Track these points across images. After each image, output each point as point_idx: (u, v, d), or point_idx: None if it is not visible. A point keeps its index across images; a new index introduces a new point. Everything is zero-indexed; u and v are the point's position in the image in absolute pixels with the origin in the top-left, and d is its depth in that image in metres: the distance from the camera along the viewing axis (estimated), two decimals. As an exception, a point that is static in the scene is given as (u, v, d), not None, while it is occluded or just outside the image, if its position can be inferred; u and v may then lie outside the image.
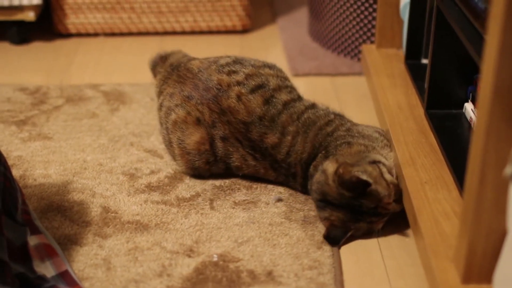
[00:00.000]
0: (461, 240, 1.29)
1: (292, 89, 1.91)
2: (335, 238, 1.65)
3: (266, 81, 1.87)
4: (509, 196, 1.17)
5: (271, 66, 1.96)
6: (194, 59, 2.02)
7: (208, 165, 1.86)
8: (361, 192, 1.61)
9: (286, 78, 1.95)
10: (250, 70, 1.89)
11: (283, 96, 1.85)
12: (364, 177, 1.59)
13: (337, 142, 1.74)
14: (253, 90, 1.84)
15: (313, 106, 1.87)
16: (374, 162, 1.67)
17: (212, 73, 1.88)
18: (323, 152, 1.74)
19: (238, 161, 1.84)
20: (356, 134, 1.77)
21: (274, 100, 1.83)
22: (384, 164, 1.68)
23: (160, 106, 1.96)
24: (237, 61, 1.94)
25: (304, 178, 1.78)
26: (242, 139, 1.81)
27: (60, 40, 2.85)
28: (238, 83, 1.85)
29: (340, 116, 1.86)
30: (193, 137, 1.84)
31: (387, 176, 1.65)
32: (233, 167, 1.86)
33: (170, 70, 2.02)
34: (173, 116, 1.87)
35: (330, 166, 1.67)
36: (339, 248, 1.66)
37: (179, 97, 1.89)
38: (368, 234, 1.68)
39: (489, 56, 1.16)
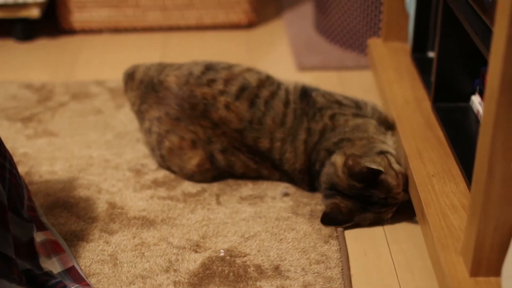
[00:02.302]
0: (469, 233, 1.29)
1: (268, 77, 1.88)
2: (333, 220, 1.68)
3: (246, 81, 1.83)
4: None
5: (236, 64, 1.91)
6: (163, 70, 1.93)
7: (213, 177, 1.86)
8: (372, 183, 1.61)
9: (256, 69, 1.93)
10: (225, 74, 1.84)
11: (265, 93, 1.82)
12: (374, 166, 1.60)
13: (334, 140, 1.74)
14: (237, 96, 1.80)
15: (287, 100, 1.82)
16: (382, 153, 1.67)
17: (193, 88, 1.82)
18: (323, 151, 1.74)
19: (241, 168, 1.84)
20: (347, 129, 1.76)
21: (257, 100, 1.80)
22: (392, 154, 1.68)
23: (149, 131, 1.90)
24: (209, 66, 1.88)
25: (310, 178, 1.78)
26: (240, 146, 1.81)
27: (65, 37, 2.84)
28: (222, 93, 1.80)
29: (323, 108, 1.82)
30: (193, 161, 1.82)
31: (396, 166, 1.66)
32: (238, 175, 1.86)
33: (144, 89, 1.93)
34: (167, 144, 1.84)
35: (338, 159, 1.68)
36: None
37: (166, 120, 1.83)
38: (376, 223, 1.69)
39: (496, 49, 1.15)
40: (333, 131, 1.76)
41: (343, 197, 1.66)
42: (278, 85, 1.86)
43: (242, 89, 1.81)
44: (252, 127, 1.78)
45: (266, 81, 1.85)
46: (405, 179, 1.66)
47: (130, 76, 2.03)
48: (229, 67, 1.88)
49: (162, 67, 1.95)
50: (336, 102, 1.83)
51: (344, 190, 1.65)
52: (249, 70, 1.88)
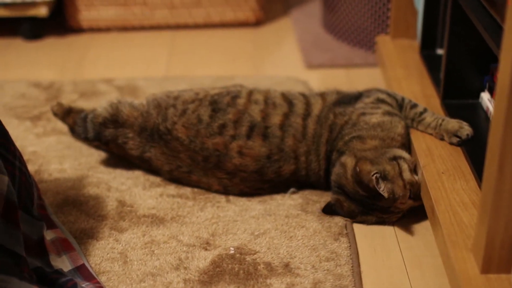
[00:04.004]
0: (479, 230, 1.28)
1: (267, 101, 1.81)
2: (334, 212, 1.70)
3: (252, 117, 1.77)
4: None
5: (235, 91, 1.85)
6: (166, 114, 1.81)
7: None
8: (376, 195, 1.60)
9: (254, 90, 1.86)
10: (233, 113, 1.78)
11: (275, 120, 1.77)
12: (382, 187, 1.57)
13: (346, 138, 1.72)
14: (249, 136, 1.75)
15: (307, 111, 1.78)
16: (395, 158, 1.64)
17: (204, 140, 1.76)
18: (335, 153, 1.73)
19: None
20: (365, 126, 1.73)
21: (269, 130, 1.76)
22: (405, 160, 1.65)
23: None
24: (214, 105, 1.80)
25: (327, 179, 1.77)
26: (261, 185, 1.78)
27: (72, 36, 2.85)
28: (233, 137, 1.76)
29: (340, 107, 1.79)
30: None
31: (406, 174, 1.62)
32: None
33: (148, 137, 1.82)
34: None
35: (349, 161, 1.66)
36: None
37: (178, 173, 1.83)
38: (380, 224, 1.69)
39: (507, 45, 1.14)
40: (354, 127, 1.73)
41: (347, 198, 1.66)
42: (290, 102, 1.80)
43: (251, 127, 1.76)
44: (271, 161, 1.74)
45: (269, 107, 1.79)
46: (417, 188, 1.63)
47: (113, 121, 1.85)
48: (233, 99, 1.81)
49: (160, 108, 1.84)
50: (378, 99, 1.79)
51: (349, 193, 1.65)
52: (249, 99, 1.80)
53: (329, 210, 1.70)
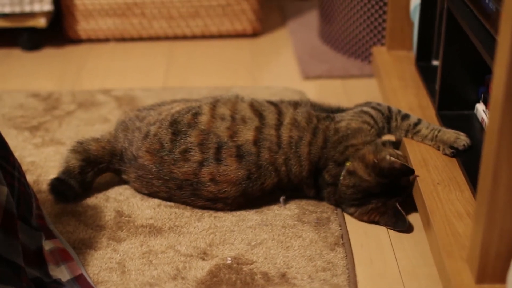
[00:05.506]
0: (474, 241, 1.29)
1: (237, 109, 1.77)
2: (403, 221, 1.69)
3: (218, 137, 1.72)
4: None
5: (198, 108, 1.78)
6: (132, 139, 1.80)
7: None
8: (397, 175, 1.67)
9: (213, 99, 1.84)
10: (196, 135, 1.73)
11: (247, 136, 1.73)
12: (398, 163, 1.64)
13: (338, 148, 1.74)
14: (218, 159, 1.71)
15: (279, 120, 1.76)
16: (384, 144, 1.74)
17: (170, 167, 1.73)
18: (331, 163, 1.74)
19: None
20: (348, 132, 1.75)
21: (243, 149, 1.72)
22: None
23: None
24: (174, 126, 1.75)
25: (316, 187, 1.78)
26: (248, 203, 1.77)
27: (71, 46, 2.86)
28: (201, 163, 1.71)
29: (320, 116, 1.79)
30: None
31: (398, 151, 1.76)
32: None
33: (119, 160, 1.82)
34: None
35: (358, 167, 1.69)
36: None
37: (159, 197, 1.81)
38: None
39: (501, 57, 1.16)
40: (337, 134, 1.75)
41: (375, 197, 1.70)
42: (260, 114, 1.76)
43: (219, 148, 1.72)
44: (252, 180, 1.73)
45: (237, 123, 1.74)
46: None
47: (88, 164, 1.82)
48: (194, 117, 1.76)
49: (128, 131, 1.82)
50: (362, 111, 1.82)
51: (374, 190, 1.68)
52: (213, 114, 1.75)
53: (402, 223, 1.69)
